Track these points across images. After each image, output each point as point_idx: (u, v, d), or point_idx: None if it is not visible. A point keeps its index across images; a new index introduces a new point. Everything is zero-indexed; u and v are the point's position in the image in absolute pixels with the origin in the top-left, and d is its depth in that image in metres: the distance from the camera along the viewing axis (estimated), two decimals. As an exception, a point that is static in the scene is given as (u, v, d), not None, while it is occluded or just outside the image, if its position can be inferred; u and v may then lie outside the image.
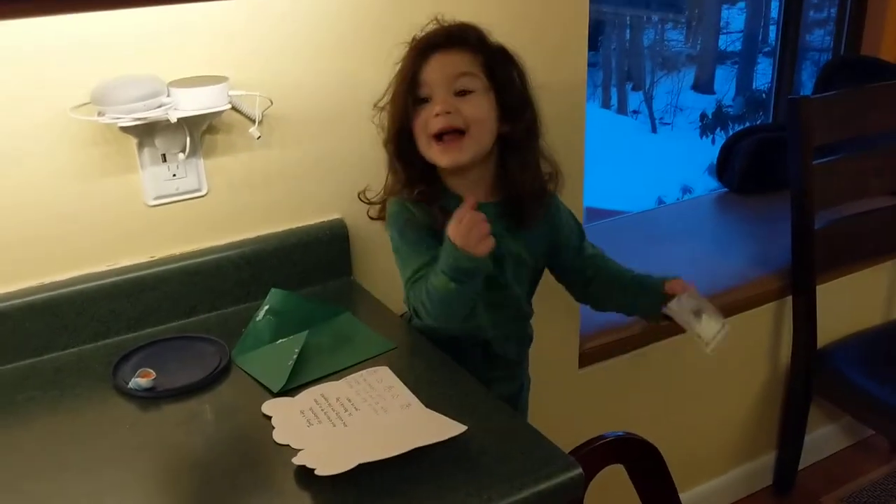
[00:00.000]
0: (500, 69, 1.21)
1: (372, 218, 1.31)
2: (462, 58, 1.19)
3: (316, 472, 0.92)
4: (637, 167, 5.34)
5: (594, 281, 1.35)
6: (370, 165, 1.34)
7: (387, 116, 1.24)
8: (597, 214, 2.82)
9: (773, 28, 5.10)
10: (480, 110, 1.19)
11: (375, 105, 1.26)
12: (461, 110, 1.18)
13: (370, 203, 1.31)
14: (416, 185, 1.22)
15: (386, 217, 1.26)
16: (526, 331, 1.38)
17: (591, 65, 1.93)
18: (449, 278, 1.11)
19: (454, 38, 1.20)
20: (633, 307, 1.33)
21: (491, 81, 1.20)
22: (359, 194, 1.33)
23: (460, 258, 1.09)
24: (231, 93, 1.24)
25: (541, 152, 1.27)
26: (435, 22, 1.23)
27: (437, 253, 1.15)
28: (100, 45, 1.19)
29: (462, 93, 1.18)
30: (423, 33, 1.21)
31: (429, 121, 1.18)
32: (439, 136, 1.19)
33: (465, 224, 1.09)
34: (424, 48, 1.19)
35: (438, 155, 1.20)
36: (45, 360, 1.23)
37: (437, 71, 1.18)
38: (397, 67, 1.22)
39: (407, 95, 1.19)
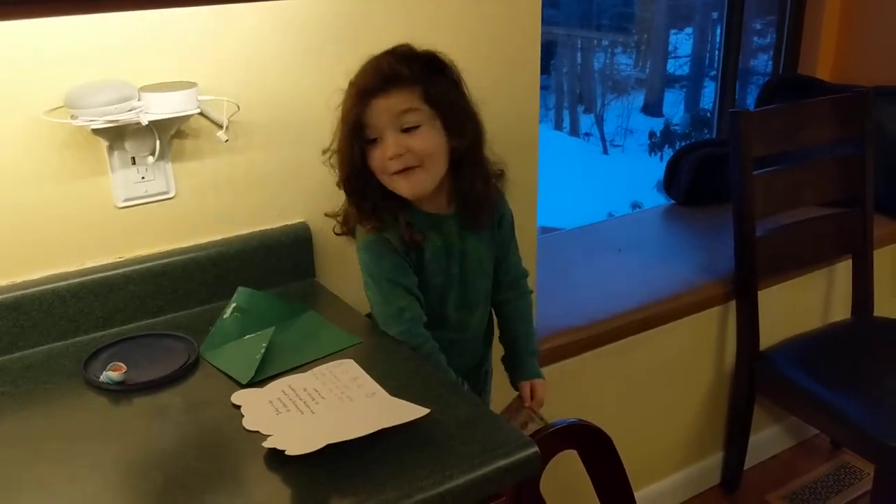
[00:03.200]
0: (438, 92, 1.23)
1: (337, 234, 1.36)
2: (400, 97, 1.20)
3: (287, 453, 0.96)
4: (589, 188, 5.44)
5: (501, 309, 1.47)
6: (332, 172, 1.39)
7: (337, 160, 1.27)
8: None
9: (719, 53, 5.25)
10: (431, 142, 1.22)
11: (324, 151, 1.29)
12: (412, 147, 1.21)
13: (335, 217, 1.36)
14: (380, 212, 1.26)
15: (358, 243, 1.31)
16: (489, 328, 1.47)
17: (543, 88, 1.99)
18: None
19: (388, 79, 1.20)
20: (506, 356, 1.50)
21: (433, 108, 1.23)
22: (326, 213, 1.38)
23: None
24: (200, 97, 1.28)
25: (487, 156, 1.33)
26: (370, 59, 1.23)
27: (411, 280, 1.27)
28: (72, 51, 1.22)
29: (409, 129, 1.21)
30: (358, 76, 1.22)
31: (384, 163, 1.22)
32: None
33: None
34: (362, 94, 1.21)
35: (401, 186, 1.24)
36: (15, 357, 1.25)
37: (380, 114, 1.20)
38: (339, 112, 1.24)
39: (354, 140, 1.22)
